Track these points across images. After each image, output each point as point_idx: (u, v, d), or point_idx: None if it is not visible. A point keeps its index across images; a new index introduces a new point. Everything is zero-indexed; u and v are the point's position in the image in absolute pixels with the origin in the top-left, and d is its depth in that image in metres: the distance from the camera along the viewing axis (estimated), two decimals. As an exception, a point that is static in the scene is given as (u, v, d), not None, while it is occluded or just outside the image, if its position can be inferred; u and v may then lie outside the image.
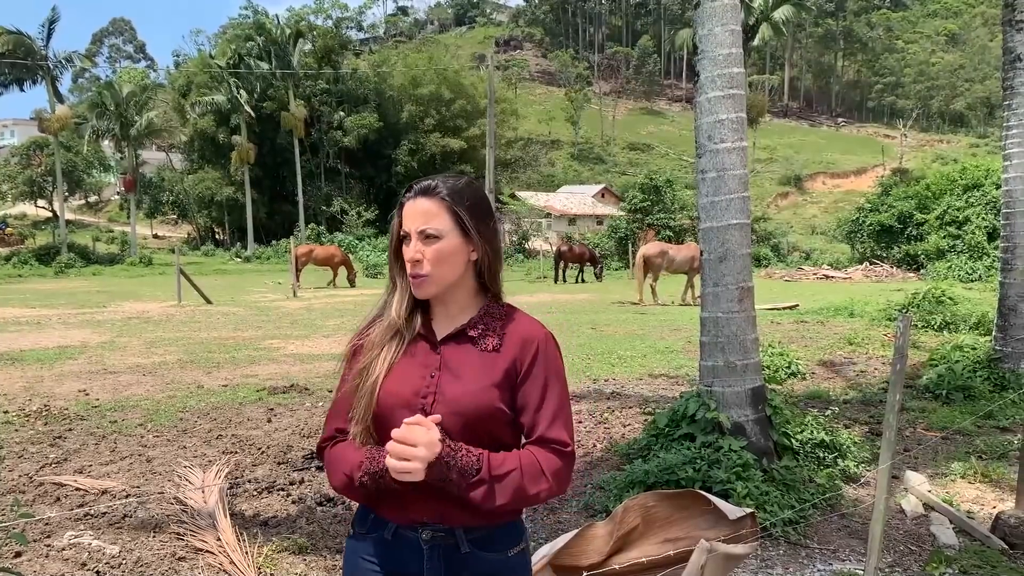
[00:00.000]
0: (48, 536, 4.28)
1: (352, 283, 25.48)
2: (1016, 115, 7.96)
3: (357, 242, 44.24)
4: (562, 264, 28.09)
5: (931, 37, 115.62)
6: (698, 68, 5.19)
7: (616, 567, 3.07)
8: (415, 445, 1.56)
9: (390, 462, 1.58)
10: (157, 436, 6.45)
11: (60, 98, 42.24)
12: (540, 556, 3.04)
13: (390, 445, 1.58)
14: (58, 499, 4.91)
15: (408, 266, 1.71)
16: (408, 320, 1.77)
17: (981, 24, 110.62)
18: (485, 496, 1.62)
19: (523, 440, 1.75)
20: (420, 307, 1.79)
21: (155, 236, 60.04)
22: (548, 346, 1.76)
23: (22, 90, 39.30)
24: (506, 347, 1.73)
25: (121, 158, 55.62)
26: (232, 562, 3.92)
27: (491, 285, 1.80)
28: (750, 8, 32.55)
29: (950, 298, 13.56)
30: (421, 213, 1.70)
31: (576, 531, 3.21)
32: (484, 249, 1.75)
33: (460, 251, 1.72)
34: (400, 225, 1.74)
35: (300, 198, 49.59)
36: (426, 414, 1.64)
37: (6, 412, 7.19)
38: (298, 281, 23.38)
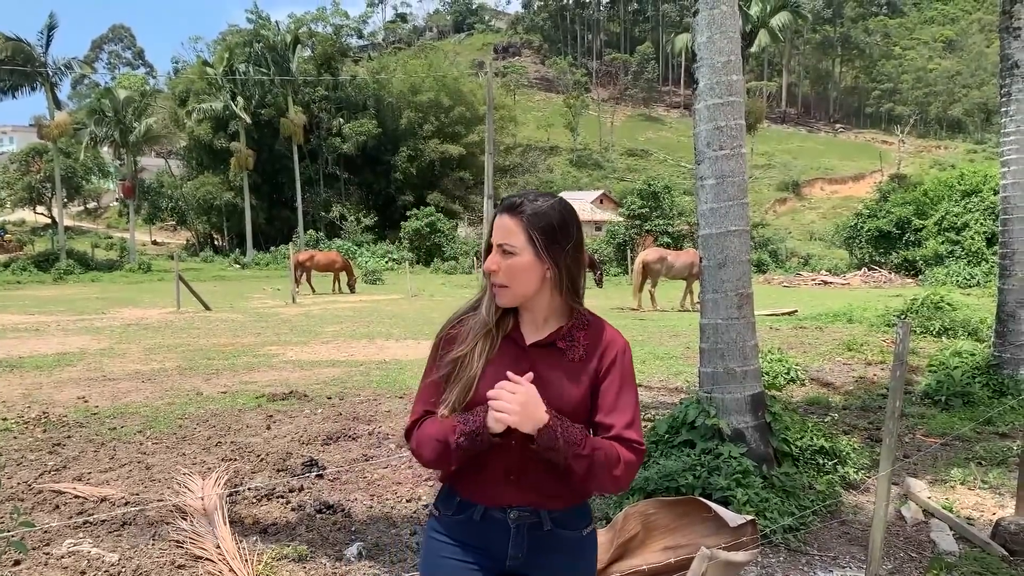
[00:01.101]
0: (47, 544, 4.27)
1: (352, 289, 25.47)
2: (1013, 121, 7.98)
3: (356, 248, 44.26)
4: (561, 269, 28.05)
5: (928, 43, 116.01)
6: (697, 75, 5.21)
7: (617, 575, 3.07)
8: (513, 392, 1.70)
9: (492, 404, 1.71)
10: (156, 443, 6.44)
11: (59, 104, 42.28)
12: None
13: (491, 392, 1.72)
14: (57, 507, 4.90)
15: (488, 274, 1.85)
16: (498, 322, 1.90)
17: (978, 31, 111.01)
18: (586, 470, 1.76)
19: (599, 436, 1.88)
20: (511, 311, 1.92)
21: (154, 242, 60.03)
22: (626, 355, 1.92)
23: (14, 97, 39.30)
24: (590, 355, 1.89)
25: (120, 164, 55.64)
26: (231, 570, 3.91)
27: (570, 301, 1.93)
28: (747, 15, 32.63)
29: (949, 304, 13.57)
30: (503, 228, 1.84)
31: (576, 538, 3.20)
32: (556, 270, 1.86)
33: (534, 268, 1.84)
34: (491, 235, 1.88)
35: (299, 204, 49.63)
36: None
37: (5, 419, 7.17)
38: (298, 287, 23.38)
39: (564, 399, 1.82)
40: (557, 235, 1.84)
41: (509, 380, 1.73)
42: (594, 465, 1.76)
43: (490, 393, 1.72)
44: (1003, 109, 8.17)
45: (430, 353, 1.98)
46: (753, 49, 36.37)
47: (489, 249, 1.88)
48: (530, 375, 1.75)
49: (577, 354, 1.88)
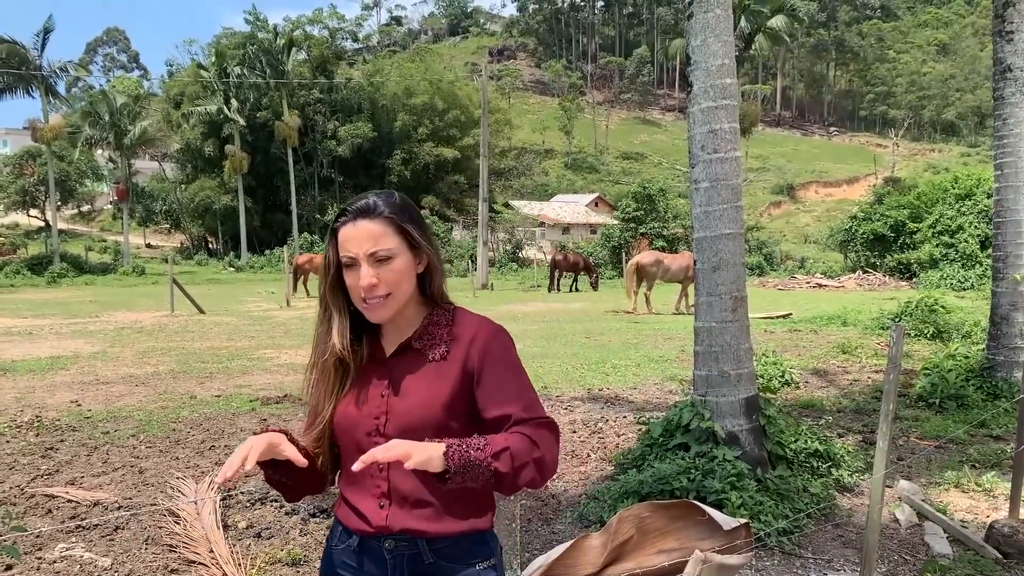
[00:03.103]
0: (40, 549, 4.25)
1: None
2: (1006, 125, 8.01)
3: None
4: (557, 273, 28.11)
5: (922, 47, 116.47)
6: (691, 79, 5.22)
7: (611, 578, 3.07)
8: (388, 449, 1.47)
9: (378, 459, 1.47)
10: (150, 447, 6.42)
11: (55, 104, 42.20)
12: (535, 568, 3.03)
13: (362, 460, 1.48)
14: (49, 511, 4.88)
15: (361, 292, 1.64)
16: (355, 348, 1.73)
17: (972, 34, 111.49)
18: (512, 465, 1.53)
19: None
20: (366, 329, 1.75)
21: (148, 245, 59.87)
22: (496, 340, 1.70)
23: (11, 96, 39.13)
24: (454, 352, 1.69)
25: (114, 168, 55.52)
26: (225, 574, 3.90)
27: (436, 293, 1.76)
28: (751, 15, 32.58)
29: (943, 307, 13.61)
30: (368, 236, 1.63)
31: (570, 542, 3.21)
32: (430, 260, 1.72)
33: (411, 267, 1.69)
34: (337, 253, 1.67)
35: (294, 207, 49.59)
36: (380, 434, 1.65)
37: (-3, 423, 7.15)
38: (294, 291, 23.34)
39: (429, 406, 1.64)
40: (422, 222, 1.71)
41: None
42: (516, 456, 1.54)
43: (354, 468, 1.49)
44: (996, 112, 8.20)
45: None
46: (752, 51, 36.43)
47: (332, 270, 1.69)
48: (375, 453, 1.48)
49: (439, 352, 1.69)
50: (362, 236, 1.63)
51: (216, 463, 5.90)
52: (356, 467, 1.48)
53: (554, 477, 5.64)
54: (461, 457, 1.49)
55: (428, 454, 1.47)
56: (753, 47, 35.50)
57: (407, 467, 1.46)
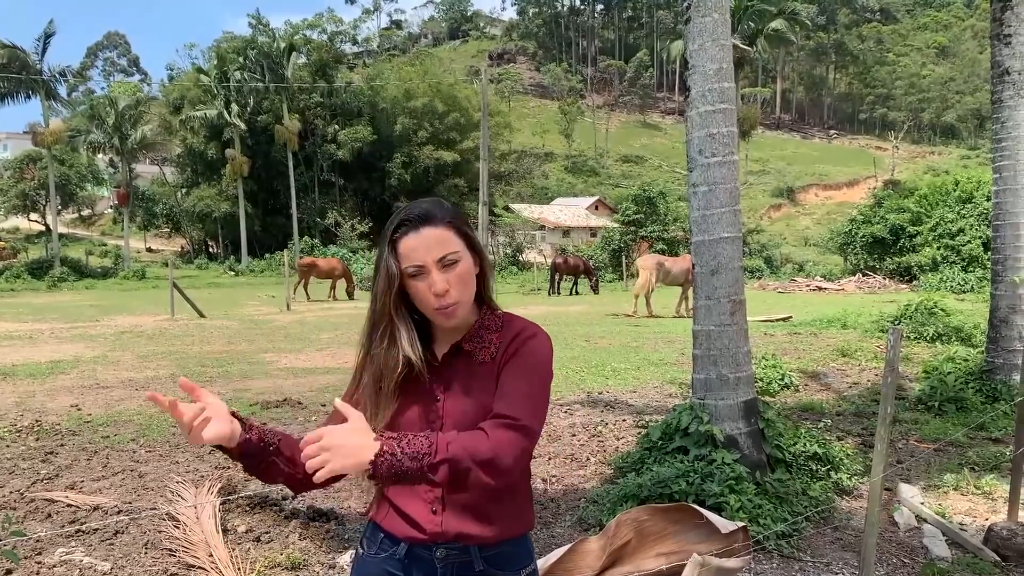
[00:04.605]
0: (39, 553, 4.26)
1: (351, 295, 25.45)
2: (1005, 128, 8.02)
3: (351, 255, 44.22)
4: (557, 276, 28.11)
5: (922, 50, 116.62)
6: (689, 82, 5.23)
7: (609, 582, 3.08)
8: (318, 440, 1.43)
9: (308, 464, 1.43)
10: (149, 451, 6.43)
11: (55, 109, 42.31)
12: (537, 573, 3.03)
13: (305, 450, 1.45)
14: (49, 515, 4.88)
15: (434, 300, 1.63)
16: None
17: (971, 37, 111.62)
18: (449, 474, 1.47)
19: None
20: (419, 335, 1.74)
21: (148, 249, 59.90)
22: (531, 341, 1.69)
23: (13, 101, 39.18)
24: (500, 352, 1.70)
25: (114, 172, 55.56)
26: (224, 578, 3.90)
27: (487, 294, 1.77)
28: (751, 17, 32.57)
29: (942, 309, 13.60)
30: (435, 242, 1.64)
31: (569, 546, 3.22)
32: (483, 262, 1.75)
33: (472, 269, 1.70)
34: (399, 263, 1.64)
35: (294, 211, 49.62)
36: None
37: (-3, 427, 7.15)
38: (294, 294, 23.35)
39: (483, 408, 1.63)
40: (471, 226, 1.75)
41: (336, 411, 1.54)
42: (457, 463, 1.47)
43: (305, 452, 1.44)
44: (995, 116, 8.22)
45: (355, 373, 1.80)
46: (752, 55, 36.46)
47: (394, 281, 1.65)
48: (344, 411, 1.49)
49: (487, 354, 1.70)
50: (429, 243, 1.64)
51: (215, 467, 5.91)
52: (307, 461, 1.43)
53: (553, 480, 5.66)
54: (391, 467, 1.44)
55: (349, 462, 1.42)
56: (754, 50, 35.54)
57: (316, 480, 1.43)
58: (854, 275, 33.54)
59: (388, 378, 1.69)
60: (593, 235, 52.70)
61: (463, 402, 1.67)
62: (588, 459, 6.19)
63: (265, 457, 1.64)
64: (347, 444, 1.43)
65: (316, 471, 1.42)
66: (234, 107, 47.95)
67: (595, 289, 28.61)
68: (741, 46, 29.68)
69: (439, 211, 1.67)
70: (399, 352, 1.67)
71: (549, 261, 33.58)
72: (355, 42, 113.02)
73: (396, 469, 1.44)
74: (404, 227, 1.66)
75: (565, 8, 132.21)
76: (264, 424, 1.69)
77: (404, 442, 1.46)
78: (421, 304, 1.67)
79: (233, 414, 1.60)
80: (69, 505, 5.04)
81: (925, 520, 4.75)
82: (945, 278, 28.02)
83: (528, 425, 1.59)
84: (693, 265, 5.29)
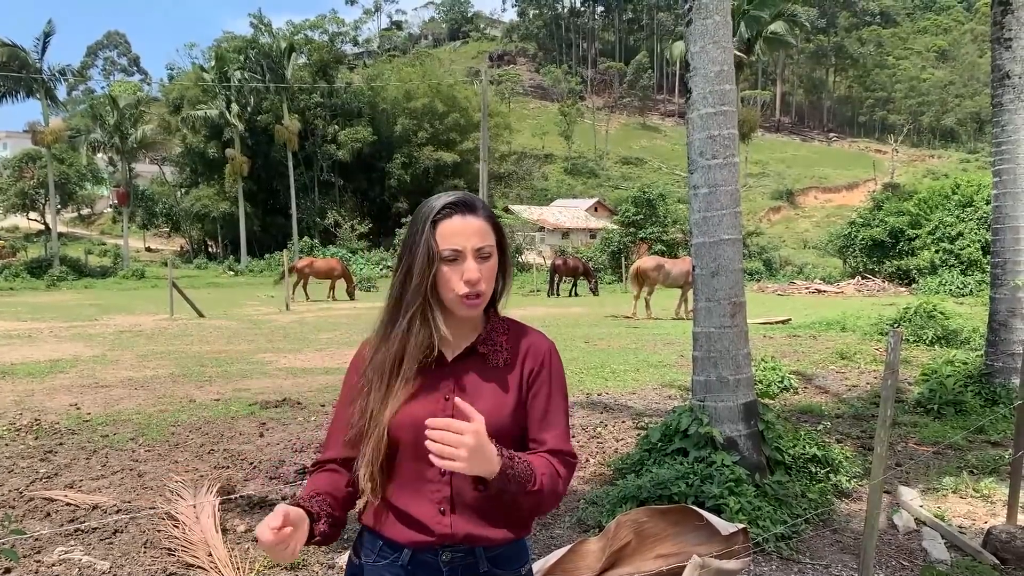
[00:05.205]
0: (38, 552, 4.26)
1: (352, 296, 25.42)
2: (1005, 132, 8.03)
3: (350, 255, 44.23)
4: (556, 278, 28.10)
5: (921, 53, 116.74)
6: (690, 85, 5.24)
7: (609, 583, 3.08)
8: (460, 433, 1.46)
9: (431, 446, 1.47)
10: (148, 451, 6.42)
11: (55, 108, 42.28)
12: (533, 572, 3.03)
13: (430, 432, 1.48)
14: (48, 514, 4.88)
15: (463, 287, 1.62)
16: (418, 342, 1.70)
17: (971, 41, 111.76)
18: (534, 504, 1.61)
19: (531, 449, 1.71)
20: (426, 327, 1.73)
21: (148, 249, 59.87)
22: (554, 358, 1.74)
23: (12, 101, 39.21)
24: (513, 360, 1.71)
25: (113, 171, 55.55)
26: (223, 578, 3.90)
27: (499, 298, 1.77)
28: (751, 20, 32.57)
29: (942, 313, 13.61)
30: (476, 231, 1.64)
31: (569, 547, 3.22)
32: (507, 266, 1.75)
33: (496, 269, 1.70)
34: (437, 245, 1.62)
35: (294, 211, 49.62)
36: None
37: (-4, 426, 7.15)
38: (292, 294, 23.34)
39: (500, 412, 1.65)
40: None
41: (459, 409, 1.54)
42: (543, 497, 1.59)
43: (429, 422, 1.48)
44: (995, 119, 8.23)
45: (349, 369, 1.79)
46: (752, 57, 36.47)
47: (435, 260, 1.63)
48: (470, 412, 1.51)
49: (501, 359, 1.70)
50: (471, 230, 1.64)
51: (215, 467, 5.91)
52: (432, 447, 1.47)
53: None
54: (500, 484, 1.54)
55: (482, 468, 1.50)
56: (754, 52, 35.55)
57: (447, 468, 1.48)
58: (853, 278, 33.56)
59: (411, 360, 1.66)
60: (592, 237, 52.74)
61: (477, 405, 1.62)
62: (587, 460, 6.19)
63: (336, 532, 1.68)
64: (486, 449, 1.49)
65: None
66: (234, 107, 47.99)
67: (594, 291, 28.61)
68: (736, 52, 29.63)
69: (480, 204, 1.69)
70: (431, 332, 1.66)
71: (548, 262, 33.58)
72: (355, 43, 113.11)
73: (502, 487, 1.54)
74: (448, 210, 1.64)
75: (565, 10, 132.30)
76: (313, 496, 1.67)
77: (514, 463, 1.55)
78: (446, 289, 1.64)
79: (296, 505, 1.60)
80: (68, 504, 5.04)
81: (924, 523, 4.75)
82: (944, 281, 28.05)
83: (577, 460, 1.72)
84: (693, 267, 5.30)
